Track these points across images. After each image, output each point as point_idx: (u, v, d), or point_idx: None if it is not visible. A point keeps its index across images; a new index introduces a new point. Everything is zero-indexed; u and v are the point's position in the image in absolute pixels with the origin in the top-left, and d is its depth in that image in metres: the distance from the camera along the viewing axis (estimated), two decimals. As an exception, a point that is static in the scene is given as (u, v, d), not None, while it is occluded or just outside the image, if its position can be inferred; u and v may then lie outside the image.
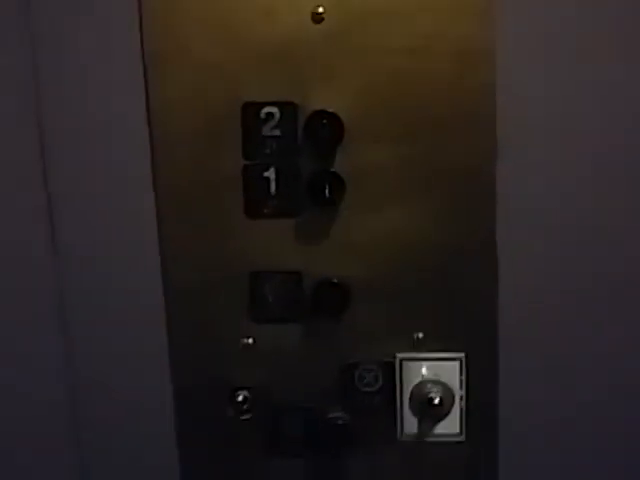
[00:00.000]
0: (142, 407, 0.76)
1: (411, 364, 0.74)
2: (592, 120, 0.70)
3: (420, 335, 0.73)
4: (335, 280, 0.72)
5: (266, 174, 0.72)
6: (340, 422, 0.74)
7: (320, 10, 0.69)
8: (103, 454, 0.77)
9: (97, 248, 0.74)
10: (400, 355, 0.74)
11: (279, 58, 0.69)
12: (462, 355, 0.73)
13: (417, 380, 0.74)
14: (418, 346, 0.74)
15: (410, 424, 0.75)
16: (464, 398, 0.74)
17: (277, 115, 0.70)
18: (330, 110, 0.69)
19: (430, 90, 0.69)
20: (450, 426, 0.74)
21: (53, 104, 0.72)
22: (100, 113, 0.72)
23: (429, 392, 0.73)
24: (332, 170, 0.70)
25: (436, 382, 0.74)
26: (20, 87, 0.71)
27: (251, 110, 0.70)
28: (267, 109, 0.70)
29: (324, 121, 0.69)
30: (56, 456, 0.78)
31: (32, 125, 0.72)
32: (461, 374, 0.73)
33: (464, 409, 0.74)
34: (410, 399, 0.74)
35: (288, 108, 0.70)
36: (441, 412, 0.74)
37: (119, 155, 0.72)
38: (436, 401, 0.72)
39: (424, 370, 0.74)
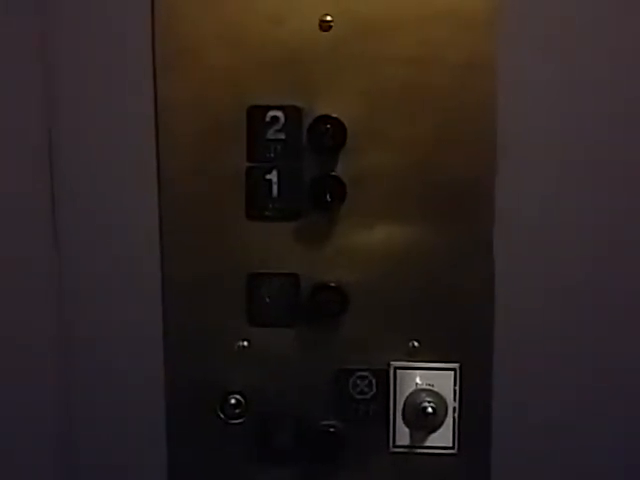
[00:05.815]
0: (133, 406, 0.75)
1: (405, 373, 0.73)
2: (593, 133, 0.71)
3: (415, 344, 0.73)
4: (333, 284, 0.73)
5: (268, 176, 0.73)
6: (332, 430, 0.74)
7: (328, 18, 0.70)
8: (92, 452, 0.76)
9: (97, 245, 0.74)
10: (395, 363, 0.74)
11: (286, 64, 0.71)
12: (457, 365, 0.73)
13: (411, 389, 0.73)
14: (413, 355, 0.73)
15: (402, 434, 0.74)
16: (457, 410, 0.73)
17: (282, 119, 0.72)
18: (334, 115, 0.71)
19: (432, 99, 0.70)
20: (442, 438, 0.74)
21: (62, 103, 0.73)
22: (109, 113, 0.73)
23: (422, 401, 0.73)
24: (334, 174, 0.71)
25: (430, 392, 0.73)
26: (29, 87, 0.73)
27: (257, 113, 0.72)
28: (272, 113, 0.72)
29: (327, 126, 0.70)
30: (46, 455, 0.77)
31: (40, 123, 0.73)
32: (455, 384, 0.73)
33: (457, 421, 0.73)
34: (403, 408, 0.74)
35: (293, 112, 0.71)
36: (434, 422, 0.73)
37: (125, 154, 0.73)
38: (429, 410, 0.72)
39: (418, 379, 0.73)
